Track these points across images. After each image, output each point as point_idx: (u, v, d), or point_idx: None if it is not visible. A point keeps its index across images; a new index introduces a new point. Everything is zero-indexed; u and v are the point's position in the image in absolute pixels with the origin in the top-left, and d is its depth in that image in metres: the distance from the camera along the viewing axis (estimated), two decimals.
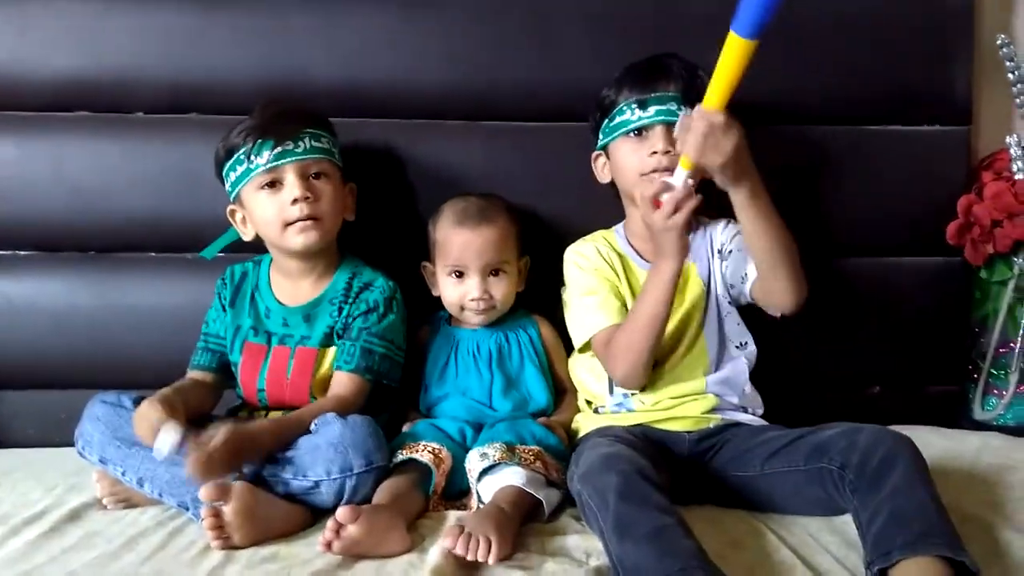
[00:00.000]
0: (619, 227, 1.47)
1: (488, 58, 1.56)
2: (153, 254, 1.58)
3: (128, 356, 1.55)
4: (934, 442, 1.41)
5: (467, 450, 1.26)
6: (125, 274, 1.57)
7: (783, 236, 1.24)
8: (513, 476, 1.18)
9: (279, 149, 1.32)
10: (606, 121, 1.39)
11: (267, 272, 1.45)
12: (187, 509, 1.17)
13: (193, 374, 1.41)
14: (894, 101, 1.63)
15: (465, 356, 1.43)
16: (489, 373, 1.41)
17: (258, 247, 1.44)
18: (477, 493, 1.20)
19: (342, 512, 1.06)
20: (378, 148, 1.56)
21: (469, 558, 1.02)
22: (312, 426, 1.21)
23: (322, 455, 1.16)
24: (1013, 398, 1.62)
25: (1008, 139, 1.60)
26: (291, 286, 1.42)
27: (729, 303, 1.39)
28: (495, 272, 1.41)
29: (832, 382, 1.67)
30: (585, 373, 1.42)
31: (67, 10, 1.53)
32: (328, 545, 1.05)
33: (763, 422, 1.35)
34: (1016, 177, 1.60)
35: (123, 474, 1.21)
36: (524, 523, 1.15)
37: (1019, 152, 1.60)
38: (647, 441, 1.25)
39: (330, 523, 1.06)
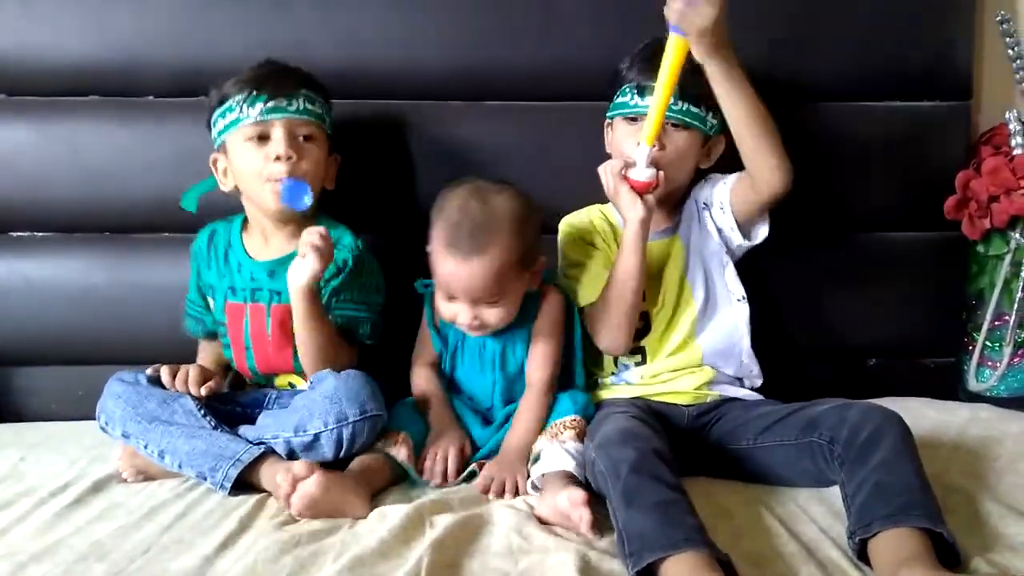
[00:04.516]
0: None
1: (490, 37, 1.58)
2: (167, 234, 1.62)
3: (143, 333, 1.61)
4: (925, 413, 1.45)
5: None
6: (140, 253, 1.63)
7: (761, 109, 1.28)
8: (560, 459, 1.21)
9: (272, 103, 1.34)
10: (615, 96, 1.42)
11: (239, 228, 1.47)
12: (205, 479, 1.23)
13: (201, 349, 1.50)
14: (895, 76, 1.64)
15: (472, 355, 1.40)
16: (492, 375, 1.39)
17: (234, 206, 1.47)
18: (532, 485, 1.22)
19: (299, 465, 1.14)
20: (379, 129, 1.59)
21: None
22: (308, 384, 1.29)
23: (318, 408, 1.23)
24: (1007, 370, 1.65)
25: (1008, 114, 1.62)
26: (262, 241, 1.44)
27: (726, 254, 1.42)
28: (490, 301, 1.29)
29: (830, 354, 1.70)
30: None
31: None
32: (287, 499, 1.12)
33: (759, 396, 1.39)
34: (1015, 152, 1.61)
35: (145, 447, 1.27)
36: None
37: (1018, 127, 1.61)
38: (649, 413, 1.30)
39: (288, 476, 1.13)
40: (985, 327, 1.67)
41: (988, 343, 1.67)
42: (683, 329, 1.40)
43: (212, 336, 1.50)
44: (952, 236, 1.66)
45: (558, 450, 1.22)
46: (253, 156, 1.36)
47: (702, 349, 1.40)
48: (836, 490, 1.14)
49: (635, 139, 1.34)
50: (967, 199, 1.62)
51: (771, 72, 1.54)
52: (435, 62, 1.59)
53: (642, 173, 1.30)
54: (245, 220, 1.48)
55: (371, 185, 1.55)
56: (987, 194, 1.59)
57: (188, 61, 1.57)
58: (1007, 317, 1.65)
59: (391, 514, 1.11)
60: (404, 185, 1.59)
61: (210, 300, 1.47)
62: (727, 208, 1.39)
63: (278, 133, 1.35)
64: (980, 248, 1.66)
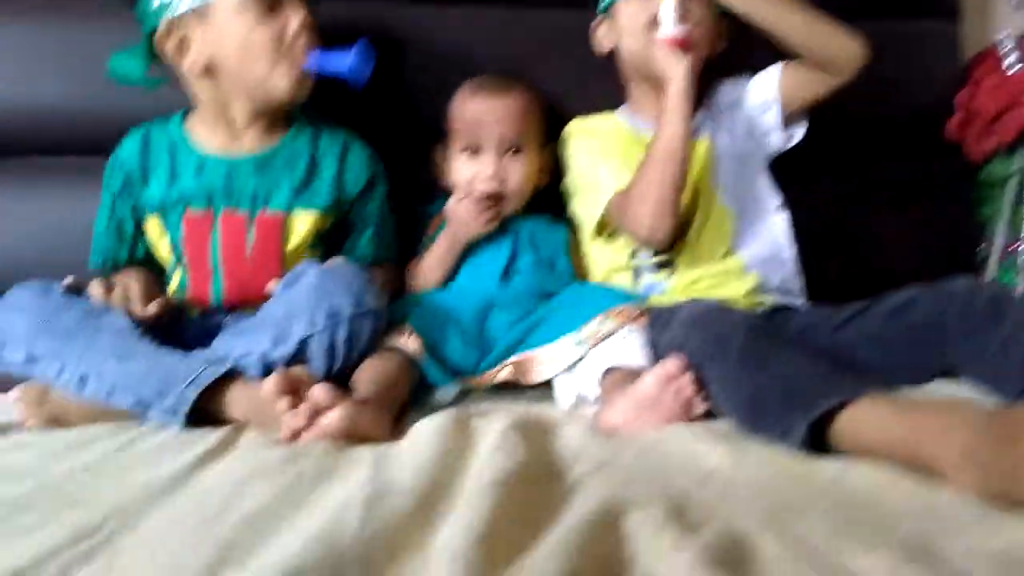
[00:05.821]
0: (622, 108, 1.32)
1: None
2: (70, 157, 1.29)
3: None
4: None
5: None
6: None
7: (803, 14, 1.14)
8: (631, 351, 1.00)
9: None
10: None
11: (180, 125, 1.16)
12: (148, 408, 0.90)
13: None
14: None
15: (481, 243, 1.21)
16: (511, 251, 1.20)
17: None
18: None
19: (320, 392, 0.83)
20: (373, 31, 1.33)
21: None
22: (276, 288, 1.00)
23: (302, 305, 0.94)
24: None
25: (1000, 35, 1.55)
26: (229, 136, 1.15)
27: (757, 160, 1.26)
28: (514, 150, 1.22)
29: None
30: (605, 262, 1.24)
31: None
32: (295, 434, 0.82)
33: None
34: (1010, 72, 1.55)
35: (59, 373, 0.93)
36: None
37: (1011, 46, 1.55)
38: None
39: (302, 407, 0.83)
40: (995, 256, 1.57)
41: (1002, 272, 1.57)
42: (720, 240, 1.21)
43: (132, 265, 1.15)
44: (951, 164, 1.56)
45: (628, 338, 1.00)
46: (260, 28, 1.07)
47: (744, 259, 1.21)
48: (939, 384, 0.96)
49: (652, 9, 1.15)
50: (970, 118, 1.53)
51: None
52: None
53: (674, 29, 1.12)
54: (185, 114, 1.17)
55: (354, 94, 1.30)
56: (993, 109, 1.50)
57: None
58: (1019, 243, 1.56)
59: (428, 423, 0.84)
60: (397, 91, 1.35)
61: (151, 221, 1.14)
62: (774, 105, 1.23)
63: (295, 4, 1.09)
64: (983, 174, 1.57)
